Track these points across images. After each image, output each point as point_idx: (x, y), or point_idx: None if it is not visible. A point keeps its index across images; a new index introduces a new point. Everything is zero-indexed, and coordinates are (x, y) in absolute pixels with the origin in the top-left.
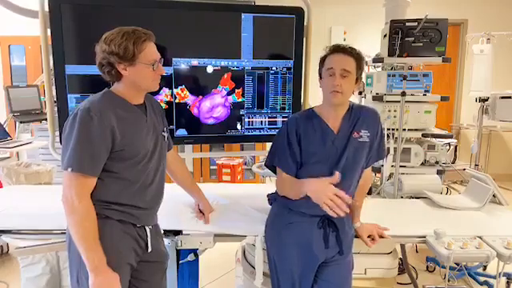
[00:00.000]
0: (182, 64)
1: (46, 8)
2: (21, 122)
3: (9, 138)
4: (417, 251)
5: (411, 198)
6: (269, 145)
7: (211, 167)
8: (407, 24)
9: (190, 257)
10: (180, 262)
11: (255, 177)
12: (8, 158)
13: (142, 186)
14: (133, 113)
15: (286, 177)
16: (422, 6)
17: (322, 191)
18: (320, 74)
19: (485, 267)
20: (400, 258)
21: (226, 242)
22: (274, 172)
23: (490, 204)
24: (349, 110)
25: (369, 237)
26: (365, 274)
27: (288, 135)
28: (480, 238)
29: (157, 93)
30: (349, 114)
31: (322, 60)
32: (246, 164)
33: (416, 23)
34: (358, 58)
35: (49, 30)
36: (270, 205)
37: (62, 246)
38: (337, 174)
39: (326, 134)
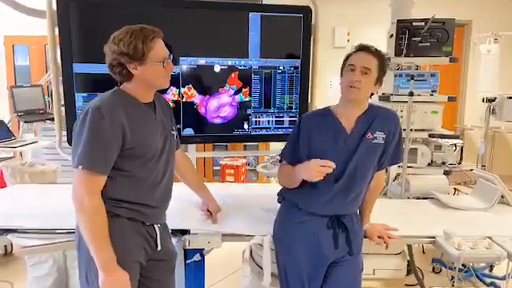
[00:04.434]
0: (189, 63)
1: (54, 7)
2: (25, 122)
3: (13, 138)
4: (423, 252)
5: (418, 198)
6: (274, 144)
7: (214, 168)
8: (414, 24)
9: (196, 257)
10: (186, 262)
11: (258, 177)
12: (12, 157)
13: (151, 184)
14: (142, 111)
15: (282, 166)
16: (427, 6)
17: (310, 168)
18: (342, 73)
19: (491, 268)
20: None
21: (231, 242)
22: None
23: (498, 205)
24: (366, 111)
25: (379, 237)
26: (373, 274)
27: (299, 132)
28: (490, 238)
29: (164, 92)
30: (365, 115)
31: (346, 58)
32: (249, 165)
33: (423, 23)
34: (381, 58)
35: (56, 29)
36: (279, 202)
37: (69, 246)
38: (332, 164)
39: (338, 133)
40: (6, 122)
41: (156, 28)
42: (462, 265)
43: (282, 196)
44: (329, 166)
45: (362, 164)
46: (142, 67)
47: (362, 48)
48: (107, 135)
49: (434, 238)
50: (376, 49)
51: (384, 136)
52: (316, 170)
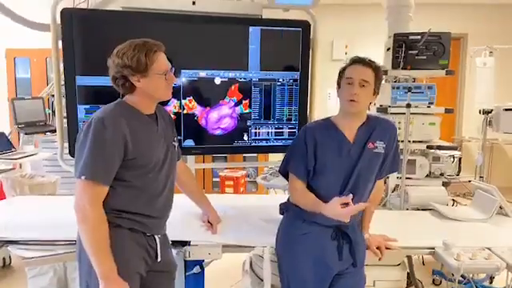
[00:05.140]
0: (190, 75)
1: (58, 20)
2: (25, 134)
3: (13, 150)
4: (423, 264)
5: (417, 209)
6: (273, 156)
7: (214, 179)
8: (411, 37)
9: (196, 269)
10: (186, 274)
11: (258, 189)
12: (12, 169)
13: (152, 195)
14: (145, 122)
15: (300, 188)
16: (424, 20)
17: (341, 215)
18: (339, 84)
19: (491, 280)
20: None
21: (231, 253)
22: (287, 178)
23: (496, 215)
24: (365, 121)
25: (377, 248)
26: (373, 286)
27: (306, 143)
28: (489, 249)
29: (166, 104)
30: (365, 125)
31: (342, 70)
32: (248, 176)
33: (419, 37)
34: (376, 69)
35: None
36: (281, 214)
37: (69, 257)
38: (349, 196)
39: (342, 144)
40: (7, 134)
41: (158, 42)
42: (462, 276)
43: (286, 207)
44: (347, 201)
45: (365, 173)
46: (144, 79)
47: (358, 60)
48: (110, 146)
49: (433, 248)
50: (370, 60)
51: (384, 145)
52: (344, 213)
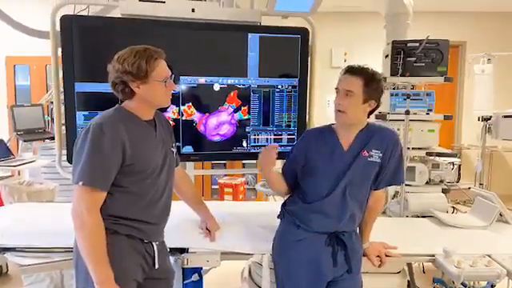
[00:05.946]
0: (190, 82)
1: (57, 28)
2: (24, 141)
3: (11, 157)
4: (424, 271)
5: (417, 216)
6: None
7: (213, 186)
8: (409, 45)
9: (194, 277)
10: (184, 282)
11: (257, 196)
12: (10, 176)
13: (150, 201)
14: (143, 128)
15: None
16: (422, 28)
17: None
18: None
19: None
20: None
21: (230, 261)
22: None
23: (496, 223)
24: (365, 129)
25: (377, 257)
26: None
27: (299, 145)
28: (489, 256)
29: (164, 110)
30: (363, 133)
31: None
32: (247, 183)
33: (417, 44)
34: (366, 77)
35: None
36: (279, 218)
37: (66, 265)
38: (275, 145)
39: (335, 149)
40: (6, 141)
41: (159, 49)
42: (463, 284)
43: (282, 214)
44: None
45: (356, 180)
46: (144, 86)
47: (347, 70)
48: (108, 152)
49: (433, 256)
50: (361, 68)
51: (380, 155)
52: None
